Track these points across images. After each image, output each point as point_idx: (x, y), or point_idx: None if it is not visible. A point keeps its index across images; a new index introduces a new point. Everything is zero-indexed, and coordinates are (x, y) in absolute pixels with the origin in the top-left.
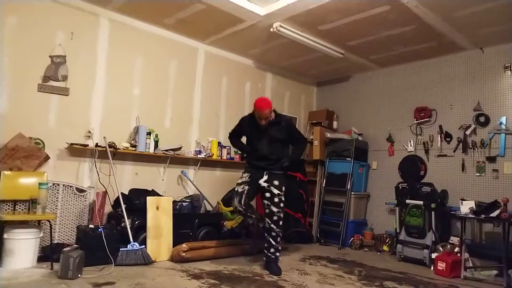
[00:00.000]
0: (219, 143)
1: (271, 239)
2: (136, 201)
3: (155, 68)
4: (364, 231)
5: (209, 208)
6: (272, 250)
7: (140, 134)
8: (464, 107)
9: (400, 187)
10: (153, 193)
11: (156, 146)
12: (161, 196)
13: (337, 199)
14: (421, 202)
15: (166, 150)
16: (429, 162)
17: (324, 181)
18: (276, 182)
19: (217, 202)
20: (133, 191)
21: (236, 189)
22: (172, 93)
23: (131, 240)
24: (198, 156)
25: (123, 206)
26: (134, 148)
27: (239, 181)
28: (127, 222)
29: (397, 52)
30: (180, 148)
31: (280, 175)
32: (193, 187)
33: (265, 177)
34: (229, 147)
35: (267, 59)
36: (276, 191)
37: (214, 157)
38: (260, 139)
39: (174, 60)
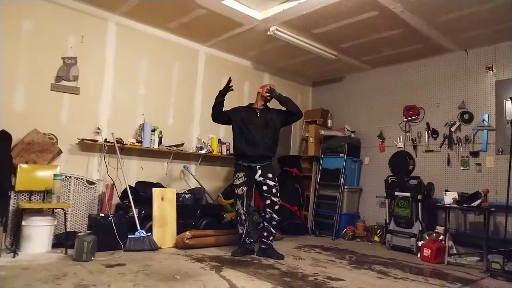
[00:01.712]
0: (219, 139)
1: (271, 228)
2: (142, 192)
3: (159, 69)
4: (357, 222)
5: (210, 200)
6: (271, 237)
7: (145, 130)
8: (449, 105)
9: (390, 180)
10: (158, 185)
11: (160, 142)
12: (165, 188)
13: (331, 193)
14: (408, 194)
15: (170, 146)
16: (417, 157)
17: (319, 176)
18: (270, 175)
19: (218, 195)
20: (139, 183)
21: (236, 191)
22: (175, 92)
23: (139, 228)
24: (199, 152)
25: (131, 197)
26: (140, 144)
27: (236, 182)
28: (135, 212)
29: (386, 54)
30: (182, 144)
31: (270, 165)
32: (194, 181)
33: (259, 172)
34: (228, 144)
35: (265, 60)
36: (271, 183)
37: (215, 153)
38: (254, 123)
39: (177, 61)
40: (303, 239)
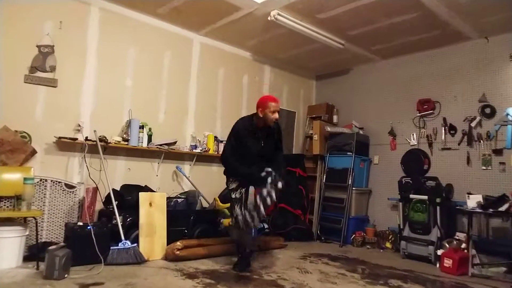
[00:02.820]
0: (215, 137)
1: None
2: (128, 197)
3: (148, 59)
4: (366, 227)
5: (205, 204)
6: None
7: (132, 127)
8: (468, 98)
9: (404, 182)
10: (146, 189)
11: (149, 140)
12: (154, 192)
13: (338, 195)
14: (425, 197)
15: (160, 145)
16: (432, 155)
17: (325, 176)
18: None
19: (214, 199)
20: (125, 187)
21: (232, 195)
22: (166, 85)
23: (123, 238)
24: (194, 151)
25: (114, 203)
26: (126, 143)
27: (232, 185)
28: (118, 220)
29: (399, 42)
30: (174, 143)
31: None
32: (188, 183)
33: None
34: None
35: (265, 51)
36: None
37: (211, 152)
38: (259, 146)
39: (168, 51)
40: (308, 246)
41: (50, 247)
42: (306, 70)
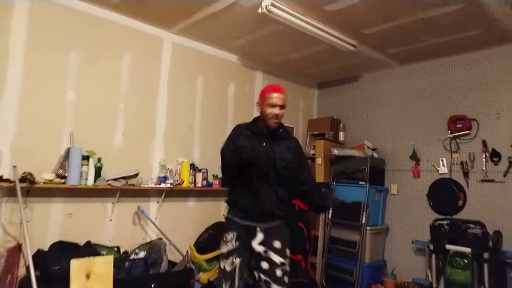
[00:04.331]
0: (192, 165)
1: None
2: (55, 266)
3: (99, 63)
4: (384, 277)
5: (176, 257)
6: None
7: (71, 159)
8: None
9: (437, 225)
10: (87, 248)
11: (98, 174)
12: (103, 247)
13: (348, 235)
14: (468, 249)
15: (115, 179)
16: (469, 188)
17: (331, 211)
18: (277, 244)
19: (188, 248)
20: (56, 246)
21: (222, 265)
22: (125, 98)
23: None
24: (162, 185)
25: (33, 276)
26: (63, 180)
27: (224, 249)
28: None
29: (427, 44)
30: (136, 175)
31: (283, 228)
32: (155, 227)
33: (260, 236)
34: (205, 170)
35: (256, 53)
36: (278, 259)
37: (185, 184)
38: (265, 152)
39: (128, 53)
40: None
41: None
42: (306, 77)
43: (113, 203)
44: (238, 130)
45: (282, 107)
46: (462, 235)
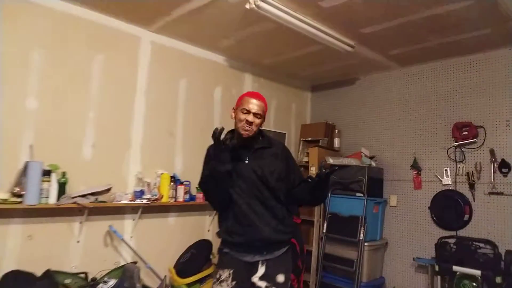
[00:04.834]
0: (173, 177)
1: None
2: None
3: (66, 66)
4: None
5: (153, 282)
6: None
7: (29, 175)
8: None
9: (441, 243)
10: (46, 280)
11: (62, 191)
12: (67, 275)
13: (344, 252)
14: (478, 272)
15: (83, 196)
16: (475, 201)
17: (326, 224)
18: (281, 278)
19: (168, 271)
20: (9, 278)
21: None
22: (96, 104)
23: None
24: (138, 201)
25: None
26: (20, 199)
27: (220, 275)
28: None
29: (432, 44)
30: (108, 190)
31: (287, 256)
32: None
33: (261, 270)
34: (188, 183)
35: (245, 54)
36: None
37: (165, 199)
38: (243, 176)
39: (100, 54)
40: None
41: None
42: (299, 79)
43: (81, 222)
44: (211, 151)
45: (258, 116)
46: (471, 255)
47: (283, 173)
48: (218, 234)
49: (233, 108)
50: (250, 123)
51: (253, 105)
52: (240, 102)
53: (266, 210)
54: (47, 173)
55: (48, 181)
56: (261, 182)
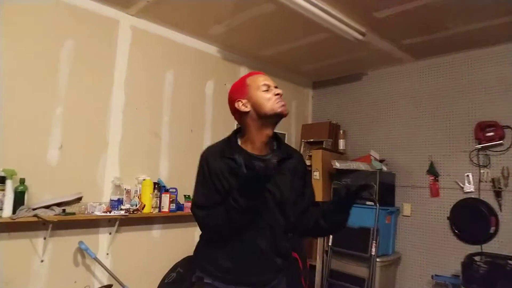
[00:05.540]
0: (156, 183)
1: None
2: None
3: (28, 53)
4: None
5: None
6: None
7: None
8: None
9: (469, 263)
10: None
11: (21, 202)
12: None
13: (353, 269)
14: None
15: (47, 207)
16: (502, 211)
17: (331, 236)
18: None
19: None
20: None
21: None
22: (64, 98)
23: None
24: (114, 212)
25: None
26: None
27: None
28: None
29: (452, 33)
30: (78, 200)
31: (284, 282)
32: (108, 266)
33: None
34: (174, 190)
35: (239, 44)
36: None
37: (147, 210)
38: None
39: (70, 39)
40: None
41: None
42: (300, 73)
43: (45, 238)
44: (211, 164)
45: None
46: (506, 276)
47: (300, 194)
48: (196, 259)
49: (239, 99)
50: (281, 95)
51: (268, 80)
52: (248, 85)
53: (271, 244)
54: (1, 180)
55: (2, 190)
56: (279, 210)
